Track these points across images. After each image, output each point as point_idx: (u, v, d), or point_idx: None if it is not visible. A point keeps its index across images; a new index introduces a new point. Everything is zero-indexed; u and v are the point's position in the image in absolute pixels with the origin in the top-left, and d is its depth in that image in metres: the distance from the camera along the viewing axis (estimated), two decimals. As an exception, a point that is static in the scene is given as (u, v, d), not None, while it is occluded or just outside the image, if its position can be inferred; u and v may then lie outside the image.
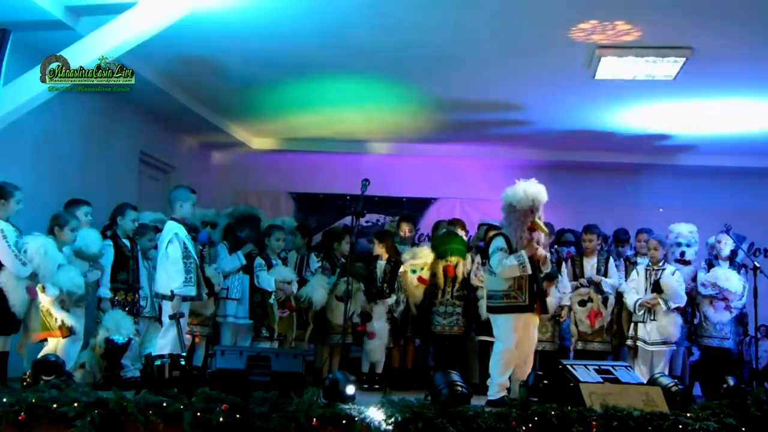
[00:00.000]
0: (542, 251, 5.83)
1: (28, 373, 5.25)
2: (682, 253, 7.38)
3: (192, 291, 5.99)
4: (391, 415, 4.13)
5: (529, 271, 5.72)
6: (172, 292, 5.84)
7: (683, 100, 7.62)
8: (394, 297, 7.38)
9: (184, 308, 6.08)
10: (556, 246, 7.76)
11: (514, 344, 5.72)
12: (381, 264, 7.48)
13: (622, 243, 7.79)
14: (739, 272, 7.39)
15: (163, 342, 5.86)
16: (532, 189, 5.79)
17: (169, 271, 5.91)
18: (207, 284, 6.49)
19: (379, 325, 7.22)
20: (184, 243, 5.98)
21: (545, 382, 5.09)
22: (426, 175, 10.30)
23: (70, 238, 5.90)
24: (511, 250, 5.77)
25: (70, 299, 5.78)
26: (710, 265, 7.47)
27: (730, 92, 7.34)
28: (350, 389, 4.62)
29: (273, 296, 6.91)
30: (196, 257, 6.12)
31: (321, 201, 10.58)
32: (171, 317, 5.84)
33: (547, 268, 5.92)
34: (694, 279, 7.37)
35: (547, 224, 7.63)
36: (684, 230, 7.51)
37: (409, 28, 6.13)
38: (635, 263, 7.42)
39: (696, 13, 5.64)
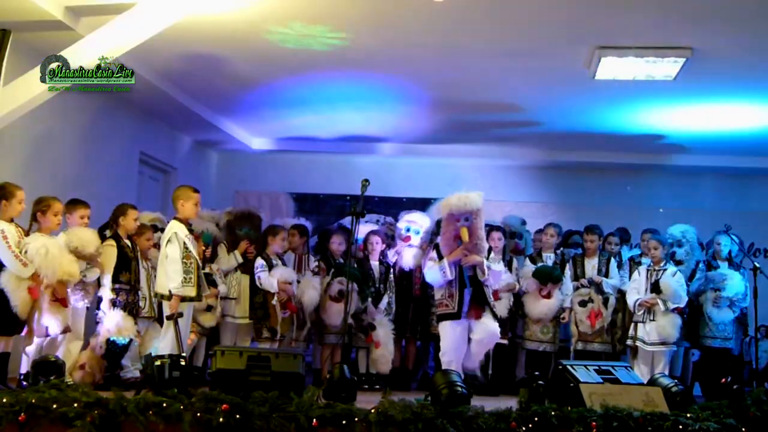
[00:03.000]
0: (474, 258, 5.86)
1: (22, 375, 5.25)
2: (673, 254, 7.38)
3: (191, 292, 5.96)
4: None
5: (449, 277, 5.90)
6: (170, 291, 5.83)
7: (683, 100, 7.62)
8: (386, 299, 7.38)
9: (185, 309, 6.06)
10: (562, 248, 7.76)
11: (448, 347, 5.94)
12: (375, 265, 7.48)
13: (611, 242, 7.73)
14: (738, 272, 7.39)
15: (163, 344, 5.85)
16: (452, 198, 5.95)
17: (168, 270, 5.89)
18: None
19: (384, 332, 7.22)
20: (185, 243, 5.94)
21: (541, 382, 5.09)
22: (426, 175, 10.30)
23: (54, 223, 5.78)
24: (441, 258, 6.00)
25: (63, 288, 5.75)
26: (708, 266, 7.47)
27: (730, 92, 7.33)
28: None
29: (276, 297, 6.90)
30: (197, 257, 6.09)
31: (321, 201, 10.59)
32: (168, 317, 5.82)
33: (482, 275, 5.91)
34: (690, 279, 7.37)
35: (552, 224, 7.70)
36: (675, 231, 7.53)
37: (408, 28, 6.13)
38: (640, 263, 7.43)
39: (696, 13, 5.64)
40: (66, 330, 5.79)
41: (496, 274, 6.08)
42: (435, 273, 6.00)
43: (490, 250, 6.09)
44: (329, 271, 7.36)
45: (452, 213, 5.91)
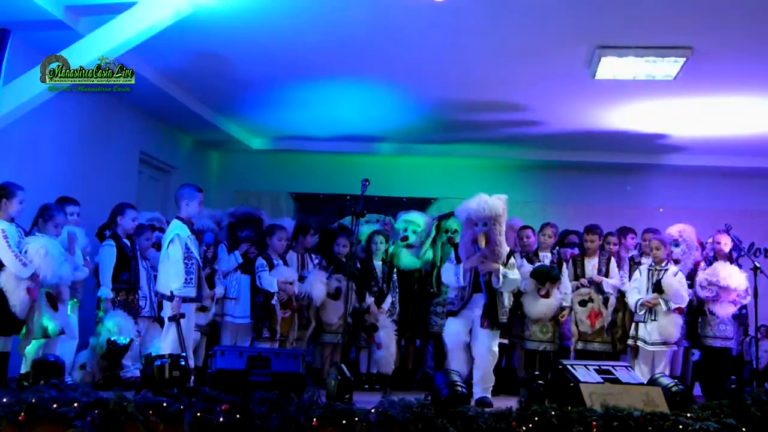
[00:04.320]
0: (491, 265, 5.81)
1: (23, 374, 5.25)
2: (670, 252, 7.38)
3: (192, 292, 5.96)
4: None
5: (462, 283, 5.91)
6: (171, 292, 5.83)
7: (683, 100, 7.62)
8: (389, 299, 7.39)
9: (186, 309, 6.06)
10: (558, 247, 7.76)
11: (450, 340, 6.00)
12: (378, 265, 7.48)
13: (609, 242, 7.70)
14: (738, 272, 7.38)
15: (164, 344, 5.85)
16: (473, 202, 5.90)
17: (170, 271, 5.89)
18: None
19: (386, 334, 7.22)
20: (186, 244, 5.94)
21: (541, 382, 5.08)
22: (426, 175, 10.30)
23: (53, 233, 5.78)
24: (459, 260, 6.00)
25: (57, 291, 5.74)
26: (710, 265, 7.46)
27: (730, 92, 7.33)
28: None
29: (275, 297, 6.90)
30: (198, 258, 6.10)
31: (321, 201, 10.59)
32: (170, 318, 5.82)
33: (496, 283, 5.86)
34: (689, 278, 7.36)
35: (549, 224, 7.70)
36: (673, 230, 7.53)
37: (409, 28, 6.13)
38: (640, 263, 7.43)
39: (696, 13, 5.64)
40: (61, 332, 5.79)
41: (511, 282, 6.01)
42: (450, 276, 6.05)
43: (509, 256, 6.02)
44: (329, 269, 7.38)
45: (470, 218, 5.87)
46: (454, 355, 6.00)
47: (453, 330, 6.01)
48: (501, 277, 5.81)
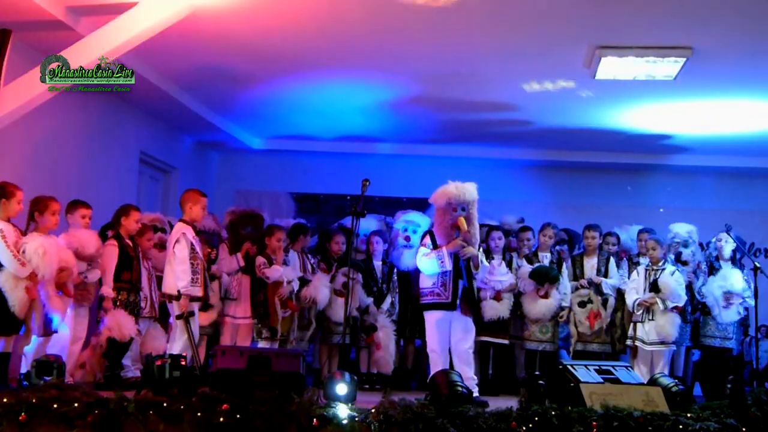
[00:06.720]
0: (471, 250, 5.85)
1: (23, 375, 5.26)
2: (679, 254, 7.37)
3: (198, 292, 6.00)
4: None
5: (447, 267, 5.84)
6: (179, 291, 5.84)
7: (683, 100, 7.62)
8: (389, 299, 7.38)
9: (193, 308, 6.07)
10: (558, 247, 7.76)
11: (436, 342, 5.89)
12: (378, 265, 7.48)
13: (608, 242, 7.70)
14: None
15: (176, 345, 5.85)
16: (450, 187, 5.91)
17: (177, 270, 5.91)
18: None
19: (386, 334, 7.23)
20: (192, 244, 5.97)
21: (541, 382, 5.08)
22: (426, 175, 10.26)
23: (53, 222, 5.75)
24: (435, 247, 5.94)
25: (64, 277, 5.74)
26: (711, 267, 7.46)
27: (730, 92, 7.33)
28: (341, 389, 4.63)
29: (279, 292, 6.88)
30: (202, 259, 6.13)
31: (321, 201, 10.60)
32: (178, 317, 5.83)
33: (475, 269, 5.89)
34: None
35: (550, 225, 7.70)
36: (681, 230, 7.51)
37: (408, 29, 6.13)
38: (637, 263, 7.43)
39: (696, 13, 5.64)
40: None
41: (485, 268, 6.07)
42: (432, 262, 5.90)
43: (480, 244, 6.08)
44: (330, 268, 7.37)
45: (450, 202, 5.88)
46: (435, 355, 5.86)
47: (443, 328, 5.85)
48: (479, 263, 5.89)
